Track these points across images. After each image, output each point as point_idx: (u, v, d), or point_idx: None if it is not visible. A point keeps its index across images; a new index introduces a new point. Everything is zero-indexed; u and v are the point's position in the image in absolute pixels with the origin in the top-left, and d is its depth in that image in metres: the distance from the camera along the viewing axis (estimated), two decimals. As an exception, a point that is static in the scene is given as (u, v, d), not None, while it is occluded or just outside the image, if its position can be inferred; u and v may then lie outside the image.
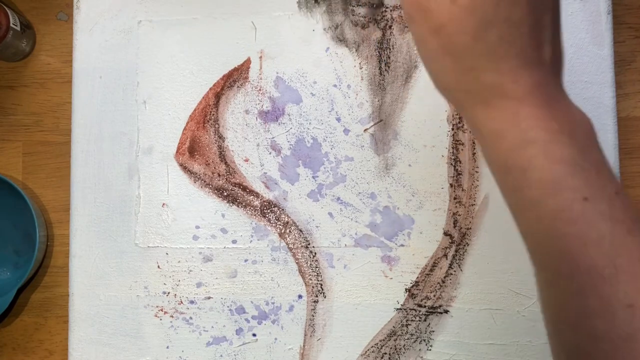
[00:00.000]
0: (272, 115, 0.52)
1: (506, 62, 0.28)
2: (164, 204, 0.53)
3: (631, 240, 0.26)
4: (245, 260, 0.52)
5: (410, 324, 0.50)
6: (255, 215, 0.52)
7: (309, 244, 0.51)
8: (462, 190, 0.50)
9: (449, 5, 0.28)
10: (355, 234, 0.51)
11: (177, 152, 0.53)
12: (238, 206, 0.52)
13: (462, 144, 0.50)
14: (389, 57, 0.52)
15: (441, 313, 0.50)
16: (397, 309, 0.50)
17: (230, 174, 0.53)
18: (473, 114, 0.29)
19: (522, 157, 0.27)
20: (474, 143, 0.50)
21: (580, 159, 0.27)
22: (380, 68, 0.52)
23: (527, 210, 0.29)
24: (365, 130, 0.52)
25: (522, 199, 0.28)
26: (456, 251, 0.50)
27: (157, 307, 0.52)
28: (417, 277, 0.50)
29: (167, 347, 0.52)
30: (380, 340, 0.50)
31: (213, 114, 0.53)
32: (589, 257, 0.26)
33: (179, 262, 0.52)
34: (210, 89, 0.53)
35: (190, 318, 0.52)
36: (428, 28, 0.29)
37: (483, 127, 0.29)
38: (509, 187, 0.29)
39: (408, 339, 0.50)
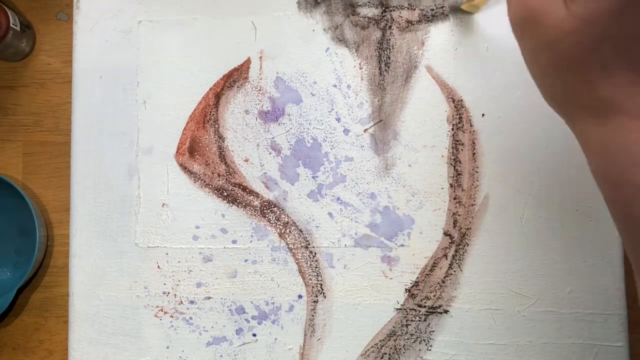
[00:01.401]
0: (272, 115, 0.52)
1: (621, 76, 0.27)
2: (164, 204, 0.53)
3: None
4: (245, 260, 0.52)
5: (410, 324, 0.50)
6: (255, 215, 0.52)
7: (308, 244, 0.51)
8: (462, 190, 0.50)
9: (566, 17, 0.26)
10: (355, 234, 0.51)
11: (177, 152, 0.53)
12: (238, 206, 0.52)
13: (462, 144, 0.50)
14: (389, 57, 0.52)
15: (441, 313, 0.50)
16: (397, 309, 0.50)
17: (230, 174, 0.53)
18: (585, 128, 0.28)
19: (638, 175, 0.26)
20: (474, 143, 0.50)
21: None
22: (380, 68, 0.52)
23: (636, 227, 0.28)
24: (365, 130, 0.52)
25: (631, 215, 0.28)
26: (456, 251, 0.50)
27: (157, 307, 0.52)
28: (417, 277, 0.50)
29: (167, 347, 0.52)
30: (380, 340, 0.50)
31: (213, 114, 0.53)
32: None
33: (179, 262, 0.52)
34: (210, 89, 0.53)
35: (190, 318, 0.52)
36: (540, 42, 0.28)
37: (594, 141, 0.28)
38: (618, 201, 0.28)
39: (408, 339, 0.50)
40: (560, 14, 0.26)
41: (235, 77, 0.53)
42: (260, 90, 0.53)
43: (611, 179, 0.28)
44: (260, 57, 0.53)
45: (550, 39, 0.27)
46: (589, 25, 0.26)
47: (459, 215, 0.50)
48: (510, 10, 0.29)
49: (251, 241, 0.52)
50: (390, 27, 0.52)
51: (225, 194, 0.52)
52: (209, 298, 0.52)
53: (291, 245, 0.52)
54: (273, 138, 0.52)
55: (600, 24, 0.26)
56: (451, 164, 0.50)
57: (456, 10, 0.49)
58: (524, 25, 0.28)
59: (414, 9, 0.52)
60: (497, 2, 0.50)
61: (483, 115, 0.50)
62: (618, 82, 0.27)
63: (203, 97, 0.53)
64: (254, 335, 0.51)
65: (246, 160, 0.53)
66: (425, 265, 0.50)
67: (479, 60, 0.51)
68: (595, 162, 0.29)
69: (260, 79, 0.53)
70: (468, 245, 0.50)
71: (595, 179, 0.29)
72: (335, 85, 0.52)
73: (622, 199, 0.28)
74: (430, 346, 0.50)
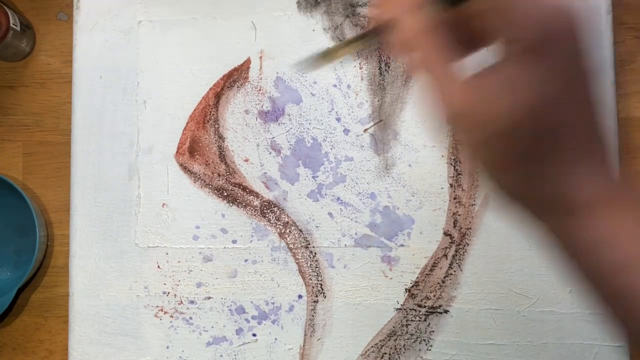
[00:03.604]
0: (272, 115, 0.52)
1: (579, 164, 0.26)
2: (164, 204, 0.53)
3: None
4: (245, 260, 0.52)
5: (410, 324, 0.50)
6: (255, 215, 0.52)
7: (309, 244, 0.51)
8: (462, 190, 0.50)
9: (507, 114, 0.24)
10: (355, 234, 0.51)
11: (177, 152, 0.53)
12: (238, 206, 0.52)
13: (462, 144, 0.50)
14: (389, 57, 0.52)
15: (441, 313, 0.50)
16: (397, 309, 0.50)
17: (230, 174, 0.53)
18: (554, 225, 0.27)
19: (599, 233, 0.25)
20: (474, 143, 0.50)
21: None
22: (380, 68, 0.52)
23: (594, 278, 0.26)
24: (365, 130, 0.52)
25: (597, 272, 0.26)
26: (456, 251, 0.50)
27: (157, 307, 0.52)
28: (417, 277, 0.50)
29: (167, 347, 0.52)
30: (380, 340, 0.50)
31: (213, 114, 0.53)
32: None
33: (179, 262, 0.52)
34: (210, 89, 0.53)
35: (190, 318, 0.52)
36: (482, 139, 0.26)
37: (561, 235, 0.27)
38: (583, 259, 0.27)
39: (408, 339, 0.50)
40: (505, 102, 0.24)
41: (235, 77, 0.53)
42: (260, 90, 0.53)
43: (595, 275, 0.26)
44: (260, 57, 0.53)
45: (495, 134, 0.25)
46: (538, 115, 0.24)
47: (459, 215, 0.50)
48: (443, 110, 0.26)
49: (251, 241, 0.52)
50: (390, 27, 0.52)
51: (225, 194, 0.52)
52: (209, 298, 0.52)
53: (291, 245, 0.52)
54: (273, 138, 0.52)
55: (541, 115, 0.24)
56: (451, 164, 0.50)
57: (312, 64, 0.39)
58: (464, 125, 0.26)
59: (414, 9, 0.52)
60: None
61: (483, 115, 0.50)
62: (573, 173, 0.25)
63: (203, 97, 0.53)
64: (254, 335, 0.51)
65: (246, 160, 0.53)
66: (425, 265, 0.50)
67: (478, 60, 0.51)
68: (572, 256, 0.27)
69: (260, 79, 0.53)
70: (468, 245, 0.50)
71: (570, 267, 0.27)
72: (335, 85, 0.52)
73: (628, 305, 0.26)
74: (430, 346, 0.50)
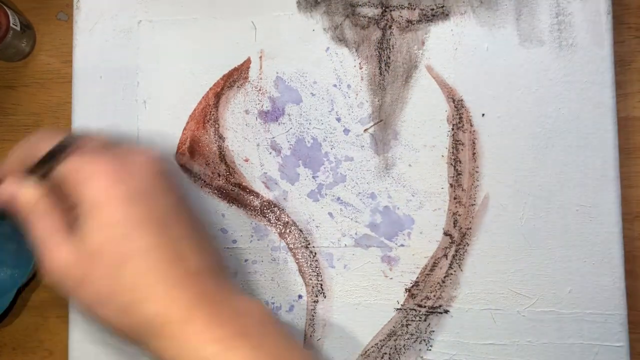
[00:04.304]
0: (272, 115, 0.52)
1: (155, 288, 0.28)
2: (164, 204, 0.53)
3: None
4: (245, 260, 0.52)
5: (410, 324, 0.50)
6: (255, 215, 0.52)
7: (309, 244, 0.51)
8: (462, 190, 0.50)
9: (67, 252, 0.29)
10: (355, 234, 0.51)
11: (177, 152, 0.53)
12: (238, 206, 0.52)
13: (462, 144, 0.50)
14: (389, 57, 0.52)
15: (441, 313, 0.50)
16: (397, 309, 0.50)
17: (230, 174, 0.53)
18: (150, 349, 0.29)
19: None
20: (474, 143, 0.50)
21: (257, 354, 0.27)
22: (380, 68, 0.52)
23: None
24: (365, 130, 0.52)
25: None
26: (456, 251, 0.50)
27: (157, 307, 0.52)
28: (417, 277, 0.50)
29: (167, 347, 0.52)
30: (380, 340, 0.50)
31: (213, 114, 0.53)
32: None
33: (179, 262, 0.52)
34: (210, 89, 0.53)
35: (190, 318, 0.52)
36: (70, 289, 0.30)
37: (167, 358, 0.28)
38: None
39: (408, 339, 0.50)
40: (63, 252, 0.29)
41: (235, 77, 0.53)
42: (260, 90, 0.53)
43: None
44: (260, 57, 0.53)
45: (76, 282, 0.29)
46: (99, 260, 0.28)
47: (459, 215, 0.50)
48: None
49: (251, 241, 0.52)
50: (390, 26, 0.52)
51: (225, 194, 0.52)
52: (209, 298, 0.52)
53: (291, 245, 0.52)
54: (273, 138, 0.52)
55: (107, 253, 0.28)
56: (451, 164, 0.50)
57: None
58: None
59: (414, 9, 0.52)
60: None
61: (483, 115, 0.50)
62: (155, 296, 0.28)
63: (203, 97, 0.53)
64: (254, 335, 0.51)
65: (246, 160, 0.53)
66: (426, 265, 0.50)
67: (478, 60, 0.51)
68: None
69: (260, 78, 0.53)
70: (468, 245, 0.50)
71: None
72: (335, 85, 0.52)
73: None
74: (431, 346, 0.50)
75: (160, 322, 0.28)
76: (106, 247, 0.28)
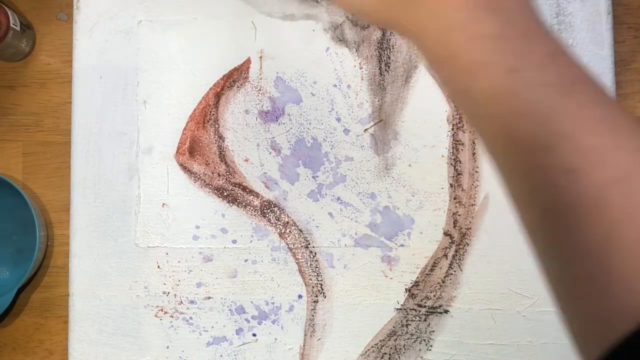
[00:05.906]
0: (272, 115, 0.52)
1: None
2: (164, 204, 0.53)
3: (567, 101, 0.23)
4: (245, 260, 0.52)
5: (410, 324, 0.50)
6: (255, 215, 0.52)
7: (309, 244, 0.51)
8: (462, 190, 0.50)
9: None
10: (355, 234, 0.51)
11: (177, 152, 0.53)
12: (238, 206, 0.52)
13: (462, 144, 0.50)
14: (389, 57, 0.52)
15: (441, 313, 0.50)
16: (397, 309, 0.50)
17: (230, 174, 0.53)
18: (400, 27, 0.28)
19: (448, 47, 0.25)
20: (474, 143, 0.50)
21: (504, 29, 0.24)
22: (380, 68, 0.52)
23: (464, 100, 0.26)
24: (365, 130, 0.52)
25: (456, 88, 0.26)
26: (456, 251, 0.50)
27: (157, 307, 0.52)
28: (417, 277, 0.50)
29: (167, 347, 0.52)
30: (380, 340, 0.50)
31: (213, 114, 0.53)
32: (524, 131, 0.24)
33: (179, 262, 0.52)
34: (210, 89, 0.53)
35: (190, 318, 0.52)
36: None
37: (411, 32, 0.27)
38: (444, 76, 0.27)
39: (408, 339, 0.50)
40: None
41: (235, 77, 0.53)
42: (260, 90, 0.53)
43: (437, 60, 0.26)
44: (260, 57, 0.53)
45: None
46: None
47: (459, 215, 0.50)
48: None
49: (251, 241, 0.52)
50: (390, 27, 0.52)
51: (225, 194, 0.52)
52: (209, 298, 0.52)
53: (291, 245, 0.52)
54: (273, 138, 0.52)
55: None
56: (451, 164, 0.50)
57: None
58: None
59: (414, 9, 0.51)
60: None
61: (483, 115, 0.50)
62: None
63: (203, 97, 0.53)
64: (254, 335, 0.51)
65: (246, 160, 0.53)
66: (425, 265, 0.50)
67: None
68: (423, 54, 0.27)
69: (260, 78, 0.53)
70: (468, 245, 0.50)
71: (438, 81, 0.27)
72: (335, 85, 0.52)
73: (445, 73, 0.26)
74: (431, 346, 0.50)
75: None
76: None
